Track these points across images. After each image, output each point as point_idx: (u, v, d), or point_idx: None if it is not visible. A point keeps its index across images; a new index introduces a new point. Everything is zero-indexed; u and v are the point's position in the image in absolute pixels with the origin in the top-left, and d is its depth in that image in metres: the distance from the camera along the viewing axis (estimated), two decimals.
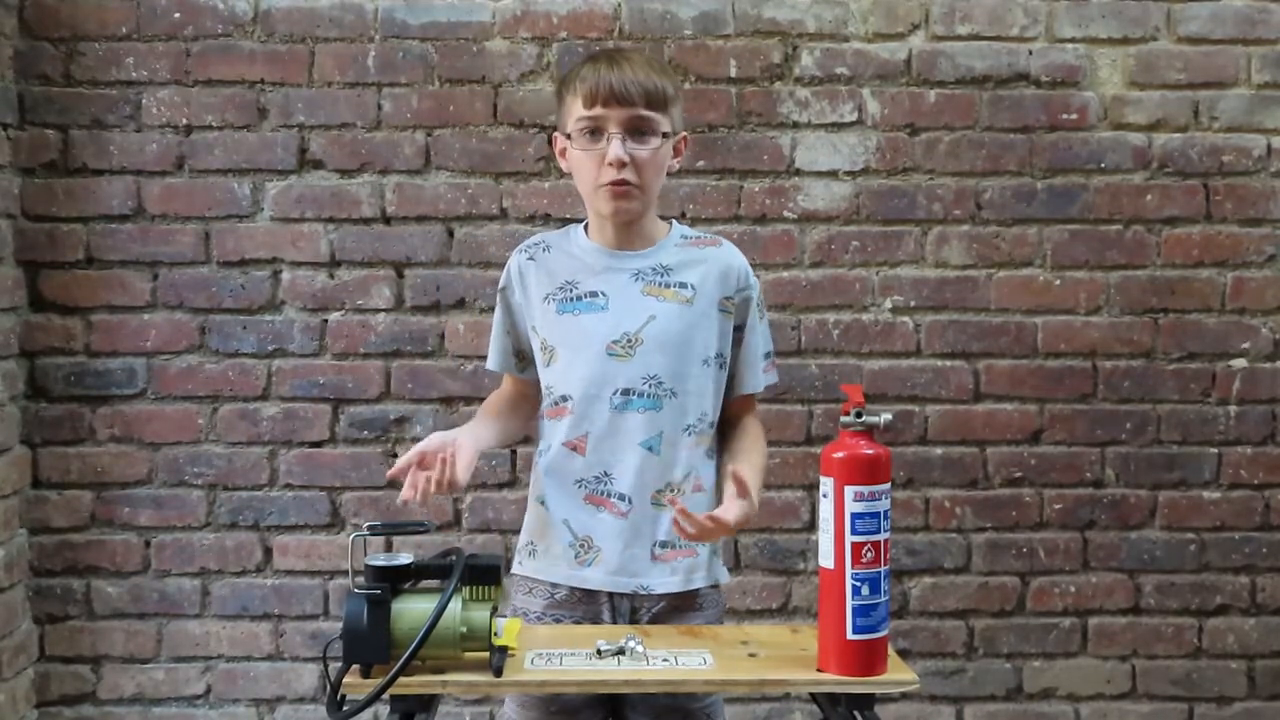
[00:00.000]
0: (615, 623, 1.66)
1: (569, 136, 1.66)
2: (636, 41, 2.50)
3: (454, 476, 1.54)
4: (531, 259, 1.73)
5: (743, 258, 1.74)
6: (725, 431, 1.74)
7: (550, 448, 1.70)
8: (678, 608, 1.67)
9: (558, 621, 1.68)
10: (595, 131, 1.62)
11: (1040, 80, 2.54)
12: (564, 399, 1.67)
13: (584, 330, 1.66)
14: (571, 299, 1.68)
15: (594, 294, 1.67)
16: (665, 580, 1.66)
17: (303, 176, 2.52)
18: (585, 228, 1.74)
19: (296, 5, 2.50)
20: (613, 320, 1.66)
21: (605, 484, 1.65)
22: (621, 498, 1.65)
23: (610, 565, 1.65)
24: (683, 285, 1.67)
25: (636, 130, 1.61)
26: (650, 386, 1.64)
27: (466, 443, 1.58)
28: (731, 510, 1.52)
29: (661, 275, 1.68)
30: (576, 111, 1.63)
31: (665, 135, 1.64)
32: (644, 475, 1.65)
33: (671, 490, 1.65)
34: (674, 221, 1.76)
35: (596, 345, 1.65)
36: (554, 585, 1.69)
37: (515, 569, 1.75)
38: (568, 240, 1.74)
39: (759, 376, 1.74)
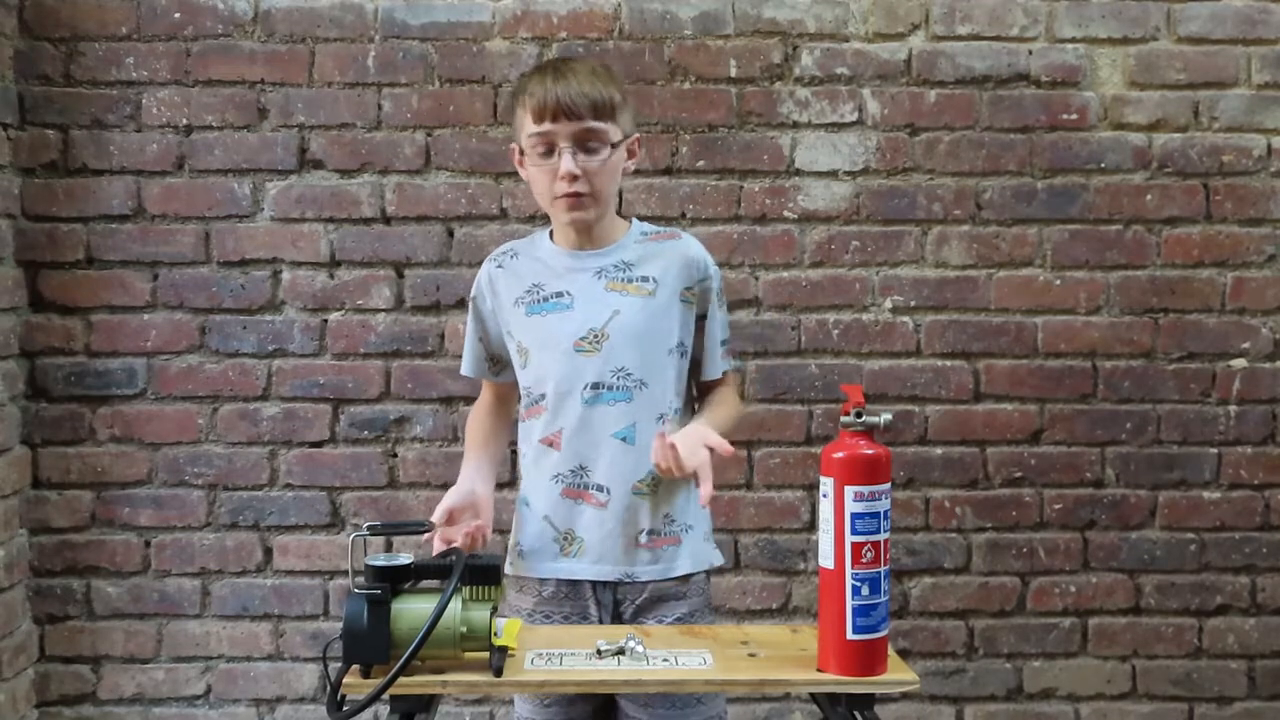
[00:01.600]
0: (601, 616, 1.69)
1: (522, 151, 1.71)
2: (636, 42, 2.50)
3: (485, 540, 1.69)
4: (500, 266, 1.79)
5: (701, 248, 1.79)
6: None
7: (529, 447, 1.74)
8: (661, 597, 1.70)
9: (547, 618, 1.71)
10: (546, 147, 1.66)
11: (1040, 80, 2.54)
12: (541, 398, 1.72)
13: (551, 330, 1.71)
14: (539, 300, 1.73)
15: (559, 294, 1.72)
16: (649, 568, 1.69)
17: (303, 176, 2.52)
18: (550, 233, 1.80)
19: (296, 5, 2.50)
20: (579, 318, 1.70)
21: (582, 477, 1.69)
22: (600, 489, 1.68)
23: (593, 555, 1.68)
24: (644, 279, 1.72)
25: (585, 142, 1.65)
26: (619, 379, 1.69)
27: (484, 498, 1.73)
28: (689, 447, 1.56)
29: (623, 271, 1.72)
30: (528, 127, 1.67)
31: (616, 143, 1.68)
32: (620, 466, 1.68)
33: (654, 479, 1.68)
34: (634, 220, 1.80)
35: (564, 343, 1.69)
36: (541, 581, 1.72)
37: (506, 569, 1.78)
38: (534, 246, 1.80)
39: (719, 363, 1.79)
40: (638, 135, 1.75)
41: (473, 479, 1.74)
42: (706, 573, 1.76)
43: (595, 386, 1.68)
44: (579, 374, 1.68)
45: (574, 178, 1.64)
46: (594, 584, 1.69)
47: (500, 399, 1.87)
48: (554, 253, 1.75)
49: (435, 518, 1.62)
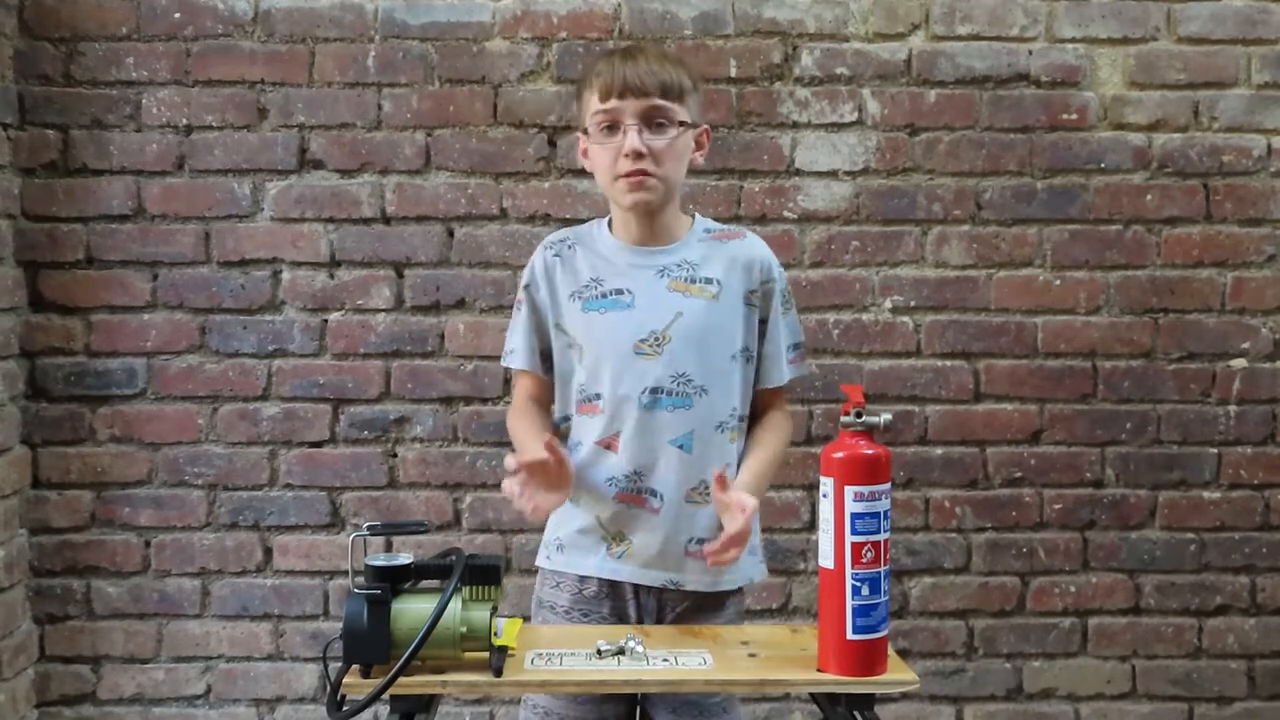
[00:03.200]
0: (641, 620, 1.66)
1: (587, 132, 1.66)
2: (637, 42, 2.50)
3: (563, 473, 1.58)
4: (558, 256, 1.72)
5: (767, 249, 1.73)
6: (752, 426, 1.74)
7: (581, 445, 1.69)
8: (703, 606, 1.67)
9: (585, 616, 1.68)
10: (612, 125, 1.62)
11: (1040, 80, 2.54)
12: (596, 397, 1.67)
13: (610, 329, 1.65)
14: (597, 296, 1.67)
15: (619, 291, 1.67)
16: (698, 578, 1.66)
17: (303, 176, 2.52)
18: (609, 224, 1.74)
19: (296, 5, 2.50)
20: (640, 318, 1.65)
21: (637, 482, 1.65)
22: (654, 494, 1.64)
23: (642, 559, 1.65)
24: (708, 280, 1.67)
25: (653, 121, 1.61)
26: (679, 384, 1.64)
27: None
28: (735, 522, 1.51)
29: (687, 271, 1.67)
30: (593, 105, 1.63)
31: (684, 124, 1.63)
32: (677, 473, 1.64)
33: (707, 488, 1.63)
34: (696, 215, 1.75)
35: (624, 344, 1.64)
36: (582, 579, 1.68)
37: (542, 563, 1.74)
38: (592, 237, 1.73)
39: (783, 370, 1.72)
40: (707, 127, 1.71)
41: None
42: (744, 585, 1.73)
43: (654, 391, 1.63)
44: (638, 377, 1.63)
45: (639, 155, 1.59)
46: (637, 587, 1.66)
47: (540, 399, 1.76)
48: (615, 247, 1.70)
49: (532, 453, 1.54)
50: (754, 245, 1.73)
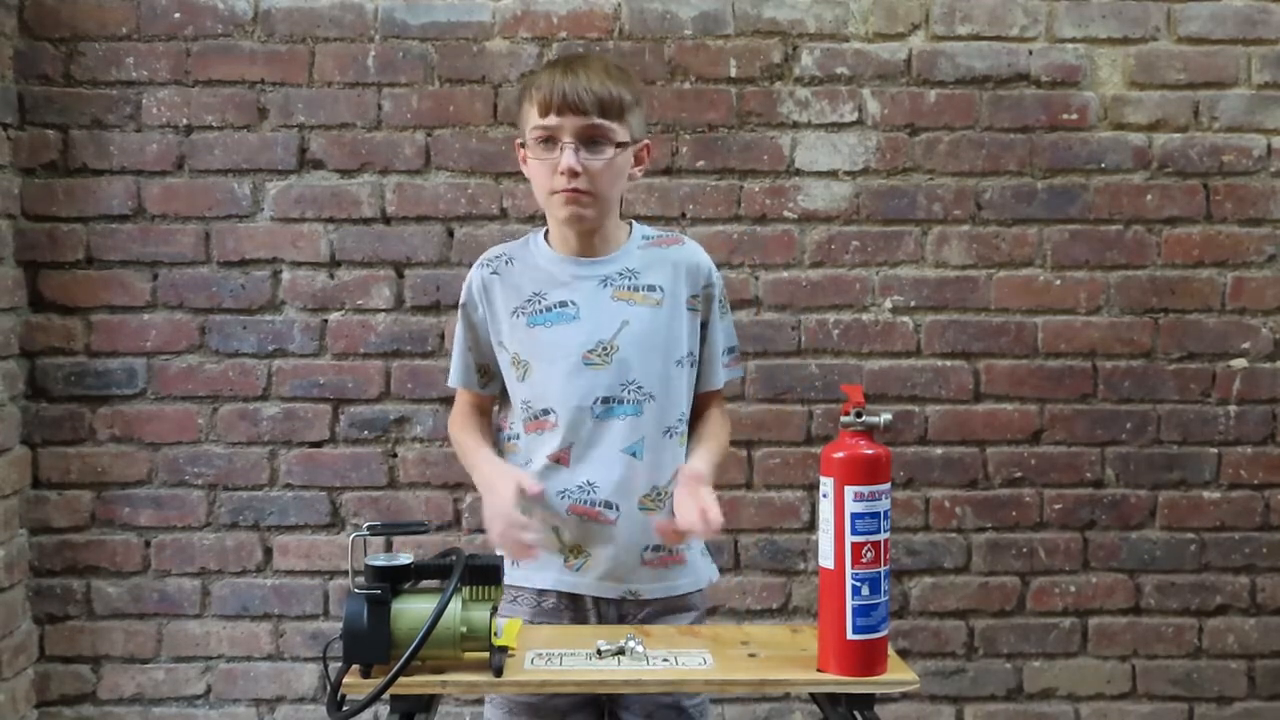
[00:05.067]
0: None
1: (526, 145, 1.66)
2: (636, 42, 2.50)
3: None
4: (495, 273, 1.71)
5: (705, 254, 1.74)
6: (691, 425, 1.74)
7: (530, 462, 1.68)
8: (663, 611, 1.68)
9: None
10: (549, 141, 1.61)
11: (1040, 80, 2.54)
12: (545, 412, 1.66)
13: (558, 342, 1.65)
14: (541, 310, 1.67)
15: (564, 304, 1.66)
16: (653, 586, 1.66)
17: (303, 176, 2.52)
18: (546, 235, 1.74)
19: (296, 5, 2.50)
20: (587, 329, 1.65)
21: (590, 493, 1.64)
22: (608, 505, 1.64)
23: (600, 570, 1.65)
24: (651, 288, 1.67)
25: (590, 140, 1.60)
26: (630, 392, 1.64)
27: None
28: (695, 526, 1.53)
29: (630, 279, 1.67)
30: (532, 119, 1.62)
31: (623, 144, 1.63)
32: (629, 481, 1.64)
33: (659, 494, 1.65)
34: (634, 222, 1.76)
35: (573, 356, 1.64)
36: (541, 592, 1.68)
37: None
38: (528, 251, 1.73)
39: (720, 372, 1.75)
40: (648, 142, 1.70)
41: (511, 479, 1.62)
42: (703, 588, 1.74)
43: (606, 400, 1.63)
44: (590, 388, 1.63)
45: (574, 174, 1.59)
46: (597, 599, 1.66)
47: (482, 411, 1.77)
48: (554, 259, 1.69)
49: (526, 487, 1.56)
50: (694, 251, 1.74)
